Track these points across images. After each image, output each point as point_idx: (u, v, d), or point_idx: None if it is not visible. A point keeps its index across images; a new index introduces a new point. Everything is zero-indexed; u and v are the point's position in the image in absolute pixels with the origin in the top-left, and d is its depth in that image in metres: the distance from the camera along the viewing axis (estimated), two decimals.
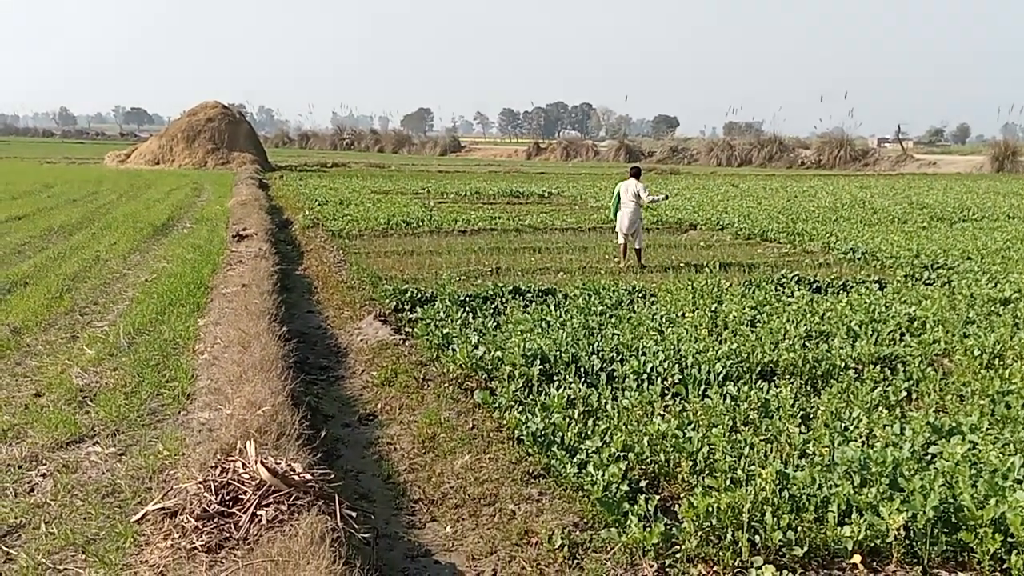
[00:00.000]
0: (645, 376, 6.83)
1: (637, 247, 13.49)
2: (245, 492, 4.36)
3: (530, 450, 5.53)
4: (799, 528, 4.36)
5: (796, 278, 11.54)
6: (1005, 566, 4.11)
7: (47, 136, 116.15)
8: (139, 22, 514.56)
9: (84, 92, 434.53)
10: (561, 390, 6.48)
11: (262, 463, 4.45)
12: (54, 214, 19.33)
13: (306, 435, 5.39)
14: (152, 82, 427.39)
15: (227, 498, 4.36)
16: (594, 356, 7.26)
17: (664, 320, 8.88)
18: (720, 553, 4.21)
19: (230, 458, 4.70)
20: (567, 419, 5.79)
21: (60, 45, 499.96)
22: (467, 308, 9.44)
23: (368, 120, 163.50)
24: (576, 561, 4.25)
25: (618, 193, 13.64)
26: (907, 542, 4.29)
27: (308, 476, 4.54)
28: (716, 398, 6.26)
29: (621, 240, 13.59)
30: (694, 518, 4.33)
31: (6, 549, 4.27)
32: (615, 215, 13.66)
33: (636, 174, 13.78)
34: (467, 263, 13.02)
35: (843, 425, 5.82)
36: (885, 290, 10.92)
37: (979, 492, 4.48)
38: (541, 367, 6.99)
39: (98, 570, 4.06)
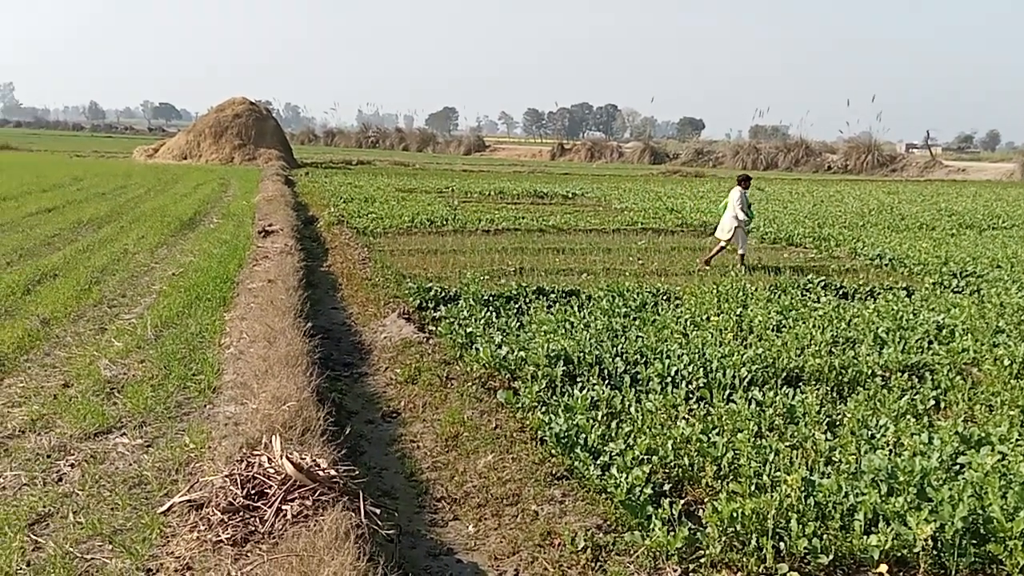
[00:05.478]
0: (669, 379, 6.79)
1: (740, 252, 13.77)
2: (270, 486, 4.38)
3: (553, 451, 5.52)
4: (824, 536, 4.32)
5: (822, 283, 11.45)
6: None
7: (77, 130, 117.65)
8: (168, 19, 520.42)
9: (114, 87, 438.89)
10: (584, 391, 6.47)
11: (287, 458, 4.48)
12: (83, 207, 19.55)
13: (330, 431, 5.41)
14: (180, 78, 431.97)
15: (252, 492, 4.39)
16: (618, 358, 7.24)
17: (689, 323, 8.84)
18: (744, 559, 4.19)
19: (255, 452, 4.74)
20: (590, 421, 5.77)
21: (91, 40, 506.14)
22: (491, 307, 9.45)
23: (393, 118, 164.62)
24: (599, 563, 4.24)
25: (729, 200, 13.94)
26: (935, 553, 4.24)
27: (333, 472, 4.56)
28: (741, 403, 6.22)
29: (723, 244, 13.78)
30: (718, 523, 4.31)
31: (35, 537, 4.32)
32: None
33: (742, 181, 13.90)
34: (491, 263, 13.03)
35: (870, 433, 5.76)
36: (913, 297, 10.80)
37: (1008, 503, 4.42)
38: (564, 368, 6.98)
39: (124, 560, 4.10)
